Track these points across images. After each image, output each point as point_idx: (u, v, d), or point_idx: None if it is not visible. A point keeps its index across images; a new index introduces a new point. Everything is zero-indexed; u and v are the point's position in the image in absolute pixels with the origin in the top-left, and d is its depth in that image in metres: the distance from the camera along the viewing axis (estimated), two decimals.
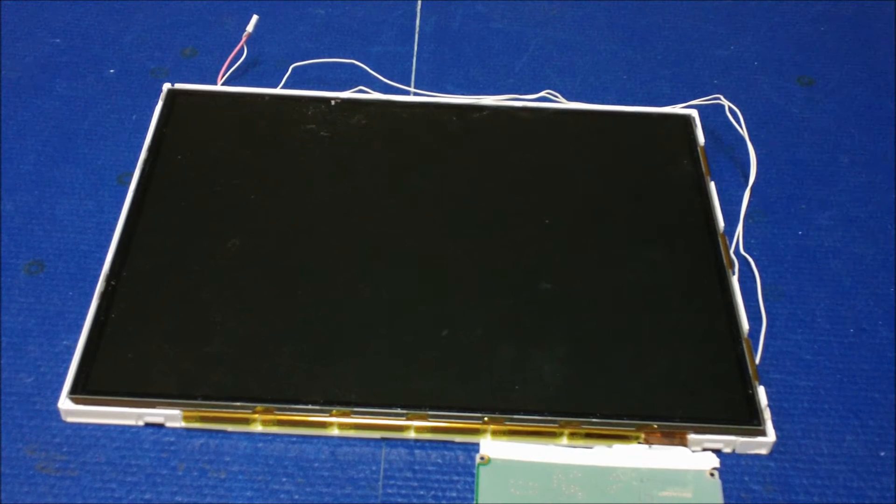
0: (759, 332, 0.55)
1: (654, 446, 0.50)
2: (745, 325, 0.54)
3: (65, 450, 0.49)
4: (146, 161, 0.61)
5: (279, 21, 0.74)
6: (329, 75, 0.69)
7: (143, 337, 0.52)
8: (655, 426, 0.50)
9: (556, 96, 0.67)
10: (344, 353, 0.52)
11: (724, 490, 0.49)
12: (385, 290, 0.55)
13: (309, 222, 0.58)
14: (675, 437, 0.50)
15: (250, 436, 0.50)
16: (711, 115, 0.67)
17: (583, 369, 0.52)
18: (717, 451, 0.50)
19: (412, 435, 0.50)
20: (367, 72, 0.69)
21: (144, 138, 0.62)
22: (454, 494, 0.49)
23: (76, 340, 0.52)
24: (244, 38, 0.69)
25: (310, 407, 0.50)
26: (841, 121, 0.69)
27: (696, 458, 0.49)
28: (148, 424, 0.50)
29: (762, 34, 0.75)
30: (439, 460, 0.50)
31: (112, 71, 0.70)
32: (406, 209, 0.59)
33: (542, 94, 0.67)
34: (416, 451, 0.50)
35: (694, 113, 0.66)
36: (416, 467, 0.50)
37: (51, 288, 0.56)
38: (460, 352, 0.53)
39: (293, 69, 0.68)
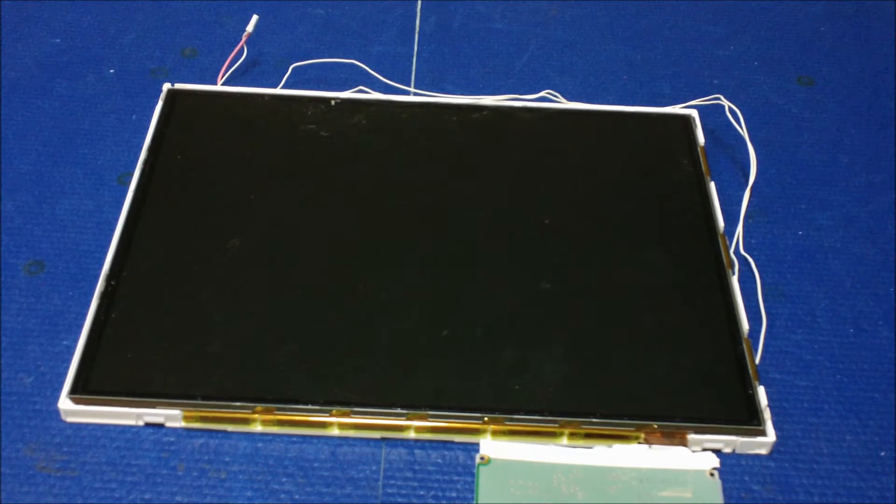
0: (759, 332, 0.55)
1: (654, 446, 0.50)
2: (745, 325, 0.54)
3: (65, 450, 0.49)
4: (146, 161, 0.61)
5: (279, 21, 0.74)
6: (329, 75, 0.69)
7: (143, 337, 0.52)
8: (655, 426, 0.50)
9: (556, 96, 0.67)
10: (344, 353, 0.52)
11: (724, 490, 0.49)
12: (385, 290, 0.55)
13: (309, 222, 0.58)
14: (675, 437, 0.50)
15: (250, 436, 0.50)
16: (711, 115, 0.67)
17: (583, 369, 0.52)
18: (717, 451, 0.50)
19: (412, 435, 0.50)
20: (367, 72, 0.69)
21: (144, 138, 0.62)
22: (454, 494, 0.49)
23: (76, 340, 0.52)
24: (244, 38, 0.69)
25: (310, 407, 0.50)
26: (841, 121, 0.69)
27: (696, 458, 0.49)
28: (148, 424, 0.50)
29: (762, 34, 0.75)
30: (439, 460, 0.50)
31: (112, 71, 0.69)
32: (406, 209, 0.59)
33: (542, 94, 0.67)
34: (416, 451, 0.50)
35: (694, 113, 0.66)
36: (416, 467, 0.50)
37: (51, 288, 0.56)
38: (460, 352, 0.53)
39: (293, 69, 0.68)
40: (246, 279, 0.55)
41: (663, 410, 0.50)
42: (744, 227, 0.61)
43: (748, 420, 0.50)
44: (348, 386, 0.51)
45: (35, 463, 0.49)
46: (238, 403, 0.50)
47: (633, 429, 0.50)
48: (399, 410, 0.50)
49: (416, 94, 0.68)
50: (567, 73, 0.71)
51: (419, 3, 0.77)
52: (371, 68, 0.69)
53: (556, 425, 0.50)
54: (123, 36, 0.72)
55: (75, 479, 0.48)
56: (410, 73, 0.70)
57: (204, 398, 0.50)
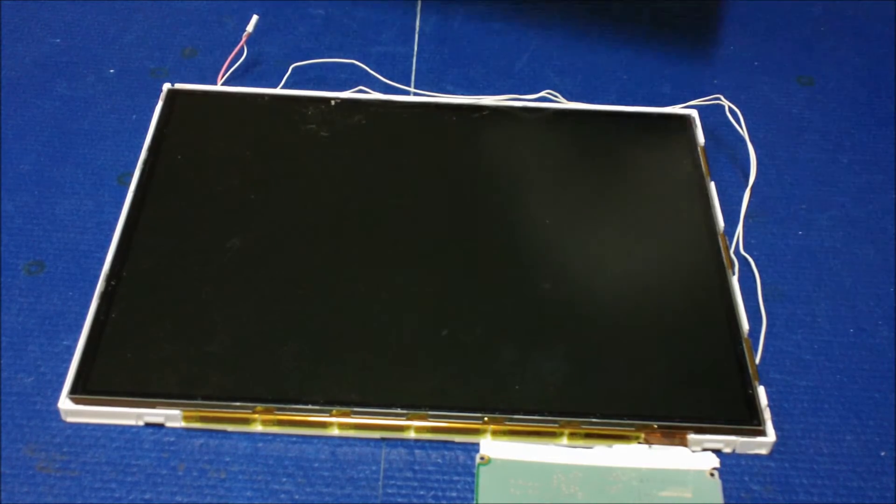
0: (759, 332, 0.55)
1: (654, 446, 0.50)
2: (745, 325, 0.54)
3: (65, 450, 0.49)
4: (146, 161, 0.61)
5: (279, 21, 0.74)
6: (329, 75, 0.69)
7: (143, 337, 0.52)
8: (655, 426, 0.50)
9: (556, 96, 0.67)
10: (344, 353, 0.52)
11: (724, 490, 0.49)
12: (385, 290, 0.55)
13: (309, 222, 0.58)
14: (675, 437, 0.50)
15: (250, 436, 0.50)
16: (711, 115, 0.67)
17: (583, 369, 0.52)
18: (717, 451, 0.50)
19: (412, 435, 0.50)
20: (367, 72, 0.69)
21: (144, 138, 0.62)
22: (454, 494, 0.49)
23: (76, 340, 0.52)
24: (244, 38, 0.69)
25: (310, 407, 0.50)
26: (841, 121, 0.69)
27: (696, 458, 0.49)
28: (148, 424, 0.50)
29: (762, 34, 0.75)
30: (439, 460, 0.50)
31: (112, 71, 0.69)
32: (406, 209, 0.59)
33: (542, 94, 0.67)
34: (416, 451, 0.50)
35: (694, 113, 0.66)
36: (416, 467, 0.50)
37: (51, 288, 0.56)
38: (460, 352, 0.53)
39: (293, 69, 0.68)
40: (246, 279, 0.55)
41: (663, 410, 0.50)
42: (744, 227, 0.61)
43: (748, 420, 0.50)
44: (348, 386, 0.51)
45: (35, 463, 0.49)
46: (238, 403, 0.50)
47: (633, 429, 0.50)
48: (399, 410, 0.50)
49: (416, 94, 0.68)
50: (567, 73, 0.71)
51: (419, 3, 0.77)
52: (371, 68, 0.69)
53: (556, 425, 0.50)
54: (123, 36, 0.72)
55: (75, 479, 0.48)
56: (410, 73, 0.70)
57: (204, 398, 0.50)
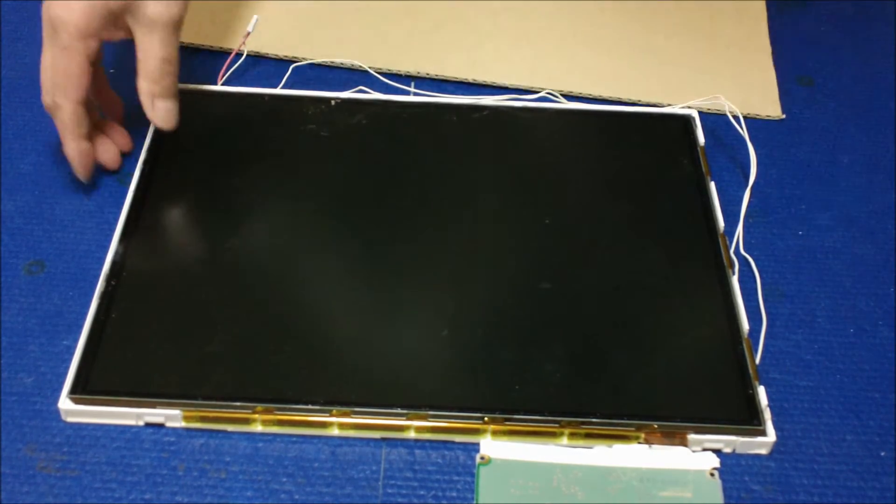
0: (759, 332, 0.55)
1: (654, 446, 0.50)
2: (745, 325, 0.54)
3: (65, 450, 0.49)
4: (146, 161, 0.61)
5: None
6: (329, 75, 0.69)
7: (143, 337, 0.52)
8: (655, 426, 0.50)
9: (557, 96, 0.67)
10: (344, 353, 0.52)
11: (724, 490, 0.49)
12: (385, 289, 0.55)
13: (309, 222, 0.58)
14: (675, 437, 0.50)
15: (250, 436, 0.50)
16: (711, 115, 0.67)
17: (583, 369, 0.52)
18: (718, 451, 0.50)
19: (412, 435, 0.50)
20: (368, 72, 0.69)
21: (144, 138, 0.62)
22: (454, 494, 0.49)
23: (76, 340, 0.52)
24: (244, 38, 0.69)
25: (310, 407, 0.50)
26: (841, 121, 0.69)
27: (696, 458, 0.49)
28: (148, 424, 0.50)
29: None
30: (439, 460, 0.50)
31: (112, 71, 0.69)
32: (406, 209, 0.59)
33: (542, 94, 0.67)
34: (416, 451, 0.50)
35: (694, 113, 0.66)
36: (416, 467, 0.50)
37: (51, 288, 0.56)
38: (460, 352, 0.53)
39: (293, 69, 0.68)
40: (246, 279, 0.55)
41: (663, 410, 0.50)
42: (744, 227, 0.61)
43: (748, 420, 0.50)
44: (348, 386, 0.51)
45: (35, 463, 0.49)
46: (238, 403, 0.50)
47: (633, 429, 0.50)
48: (399, 410, 0.50)
49: (416, 94, 0.68)
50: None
51: None
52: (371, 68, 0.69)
53: (557, 425, 0.50)
54: None
55: (75, 479, 0.48)
56: None
57: (204, 398, 0.50)
